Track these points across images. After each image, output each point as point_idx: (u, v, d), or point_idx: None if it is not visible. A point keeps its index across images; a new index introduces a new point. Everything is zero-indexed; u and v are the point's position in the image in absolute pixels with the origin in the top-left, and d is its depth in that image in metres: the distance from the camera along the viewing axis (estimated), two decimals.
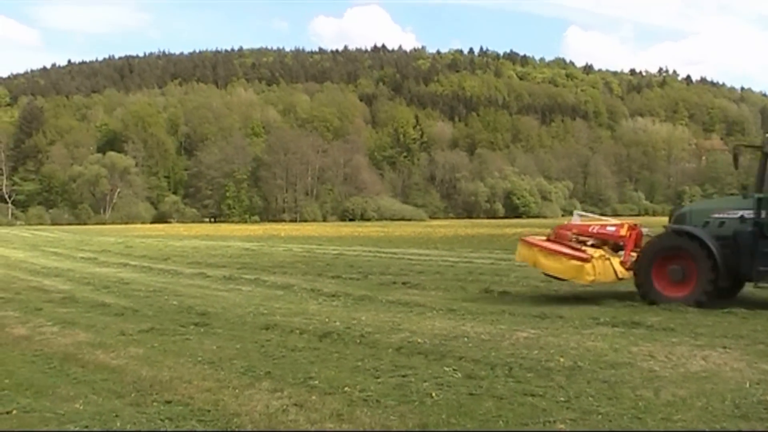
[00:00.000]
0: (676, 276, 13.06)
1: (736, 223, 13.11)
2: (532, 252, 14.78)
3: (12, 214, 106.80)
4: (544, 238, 15.30)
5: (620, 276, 14.20)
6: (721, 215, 13.43)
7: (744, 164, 13.09)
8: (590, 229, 15.16)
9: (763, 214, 12.77)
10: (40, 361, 9.19)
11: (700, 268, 12.79)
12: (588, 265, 13.68)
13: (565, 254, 14.11)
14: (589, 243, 14.75)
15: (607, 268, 14.08)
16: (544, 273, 15.00)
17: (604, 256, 14.21)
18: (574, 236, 14.93)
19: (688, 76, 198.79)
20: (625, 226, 14.78)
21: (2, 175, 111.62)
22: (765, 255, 12.54)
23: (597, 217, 18.02)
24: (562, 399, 6.79)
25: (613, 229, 14.93)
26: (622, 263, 14.25)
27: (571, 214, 21.63)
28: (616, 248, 14.71)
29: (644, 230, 14.90)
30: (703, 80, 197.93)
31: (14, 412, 6.75)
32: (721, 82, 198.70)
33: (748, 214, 12.98)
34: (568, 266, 13.95)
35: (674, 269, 13.09)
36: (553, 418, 6.23)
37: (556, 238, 14.99)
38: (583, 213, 17.63)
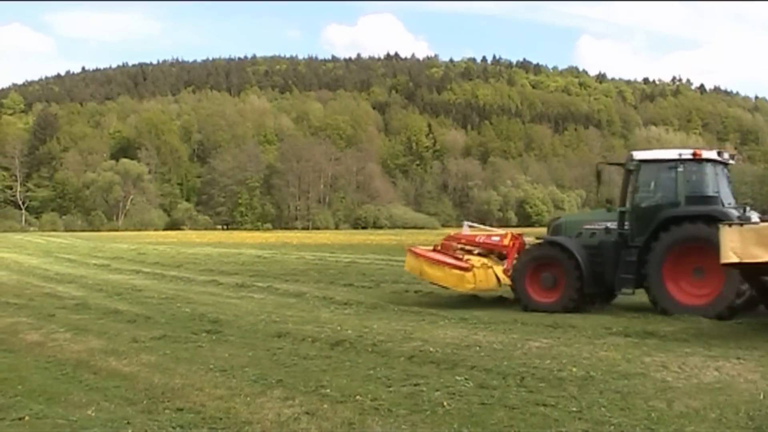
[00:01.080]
0: (548, 283, 13.97)
1: (603, 234, 14.03)
2: (418, 262, 15.82)
3: (26, 220, 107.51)
4: (431, 248, 16.29)
5: (502, 283, 15.03)
6: (591, 227, 14.44)
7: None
8: (477, 239, 16.16)
9: (626, 225, 13.72)
10: (53, 368, 9.25)
11: (567, 276, 13.64)
12: (468, 274, 14.62)
13: (447, 264, 15.06)
14: (475, 252, 15.64)
15: (489, 275, 15.01)
16: (429, 282, 15.85)
17: (486, 264, 15.11)
18: (459, 246, 15.86)
19: (702, 85, 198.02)
20: (509, 236, 15.68)
21: (16, 181, 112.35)
22: (627, 263, 13.38)
23: (485, 227, 18.82)
24: (574, 409, 6.76)
25: (497, 239, 15.88)
26: (504, 271, 15.00)
27: None
28: (501, 257, 15.49)
29: (526, 240, 15.56)
30: (716, 89, 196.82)
31: (27, 418, 6.78)
32: (734, 91, 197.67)
33: (613, 225, 13.88)
34: (450, 275, 14.91)
35: (546, 277, 14.00)
36: (565, 428, 6.22)
37: (442, 248, 15.97)
38: (473, 224, 18.54)
